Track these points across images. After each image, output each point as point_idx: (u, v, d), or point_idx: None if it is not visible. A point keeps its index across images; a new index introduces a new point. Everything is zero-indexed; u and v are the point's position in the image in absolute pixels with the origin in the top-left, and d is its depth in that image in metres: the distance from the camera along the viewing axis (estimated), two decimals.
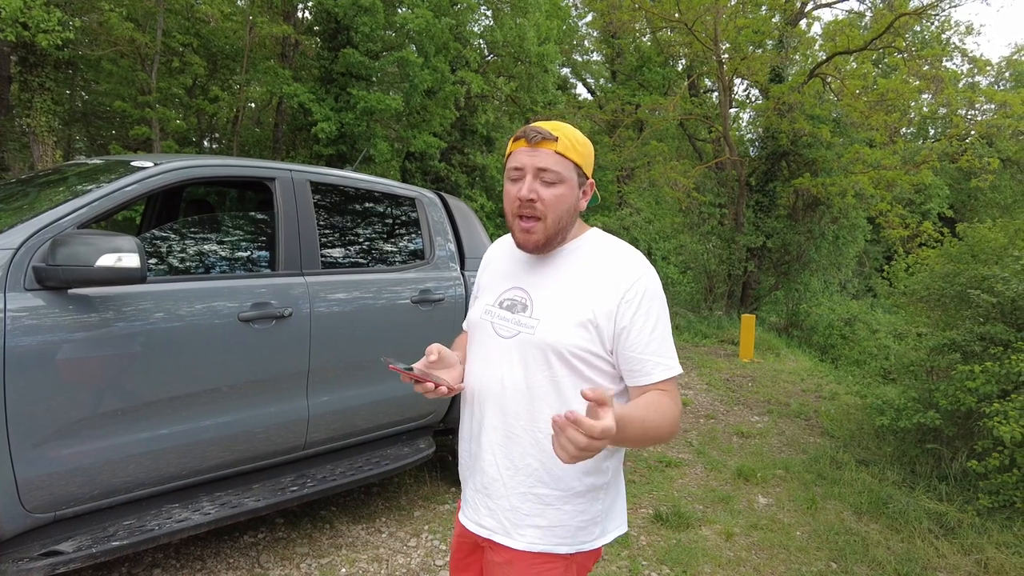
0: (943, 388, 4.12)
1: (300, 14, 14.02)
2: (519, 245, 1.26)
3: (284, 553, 2.80)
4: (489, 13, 15.36)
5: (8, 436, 1.87)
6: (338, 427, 2.83)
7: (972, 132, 13.52)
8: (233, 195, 4.22)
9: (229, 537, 2.90)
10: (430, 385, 1.21)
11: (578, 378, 1.19)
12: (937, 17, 14.64)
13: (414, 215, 3.34)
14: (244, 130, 14.99)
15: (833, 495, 3.96)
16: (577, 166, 1.22)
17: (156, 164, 2.36)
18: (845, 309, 12.61)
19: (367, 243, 3.23)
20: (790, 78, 13.44)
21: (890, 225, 11.93)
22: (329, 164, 11.46)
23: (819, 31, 17.29)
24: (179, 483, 2.35)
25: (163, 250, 2.64)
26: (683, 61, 17.01)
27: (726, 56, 13.11)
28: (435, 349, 1.26)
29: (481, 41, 15.15)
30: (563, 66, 18.99)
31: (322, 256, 2.81)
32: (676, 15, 12.30)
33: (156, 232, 2.91)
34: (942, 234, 7.16)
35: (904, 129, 17.79)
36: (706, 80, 16.66)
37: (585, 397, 0.93)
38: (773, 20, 13.52)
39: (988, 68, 17.95)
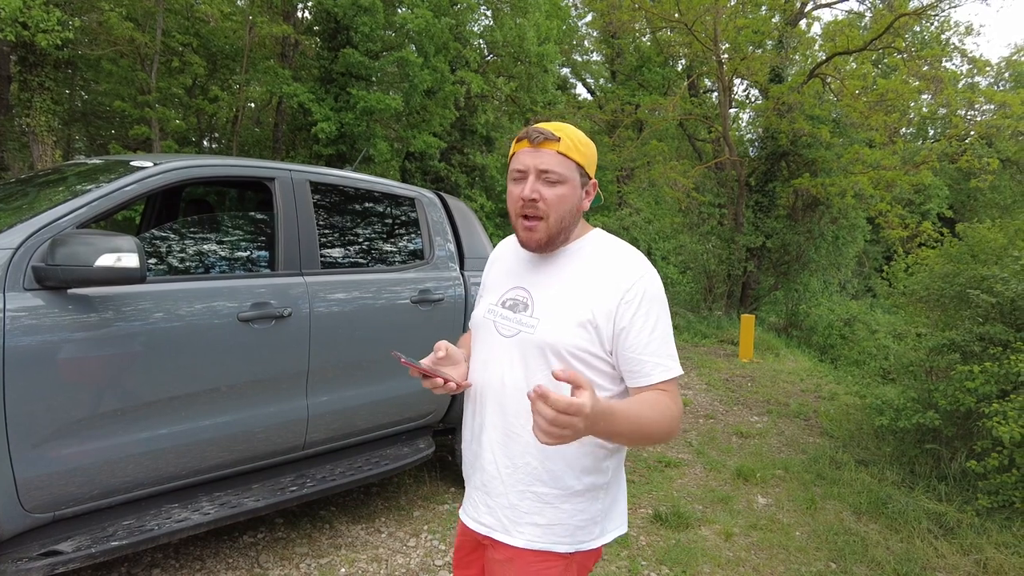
0: (942, 388, 4.12)
1: (300, 14, 14.01)
2: (522, 244, 1.27)
3: (283, 553, 2.80)
4: (489, 13, 15.36)
5: (7, 436, 1.87)
6: (337, 427, 2.83)
7: (972, 132, 13.52)
8: (233, 195, 4.22)
9: (228, 537, 2.90)
10: (438, 380, 1.23)
11: None
12: (937, 17, 14.66)
13: (414, 215, 3.34)
14: (244, 130, 14.99)
15: (832, 495, 3.96)
16: (580, 166, 1.22)
17: (156, 164, 2.36)
18: (845, 309, 12.62)
19: (367, 243, 3.23)
20: (790, 78, 13.45)
21: (889, 225, 11.93)
22: (329, 164, 11.46)
23: (819, 31, 17.28)
24: (178, 483, 2.35)
25: (162, 250, 2.64)
26: (683, 61, 17.01)
27: (726, 56, 13.11)
28: (443, 346, 1.28)
29: (481, 41, 15.15)
30: (563, 66, 19.00)
31: (322, 256, 2.81)
32: (676, 15, 12.30)
33: (155, 232, 2.91)
34: (941, 234, 7.17)
35: (904, 129, 17.79)
36: (706, 80, 16.66)
37: (556, 377, 0.94)
38: (773, 20, 13.52)
39: (988, 68, 17.95)
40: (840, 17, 15.64)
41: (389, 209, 3.35)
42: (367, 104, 11.32)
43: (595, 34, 19.03)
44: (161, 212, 3.48)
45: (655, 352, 1.18)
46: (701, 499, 3.82)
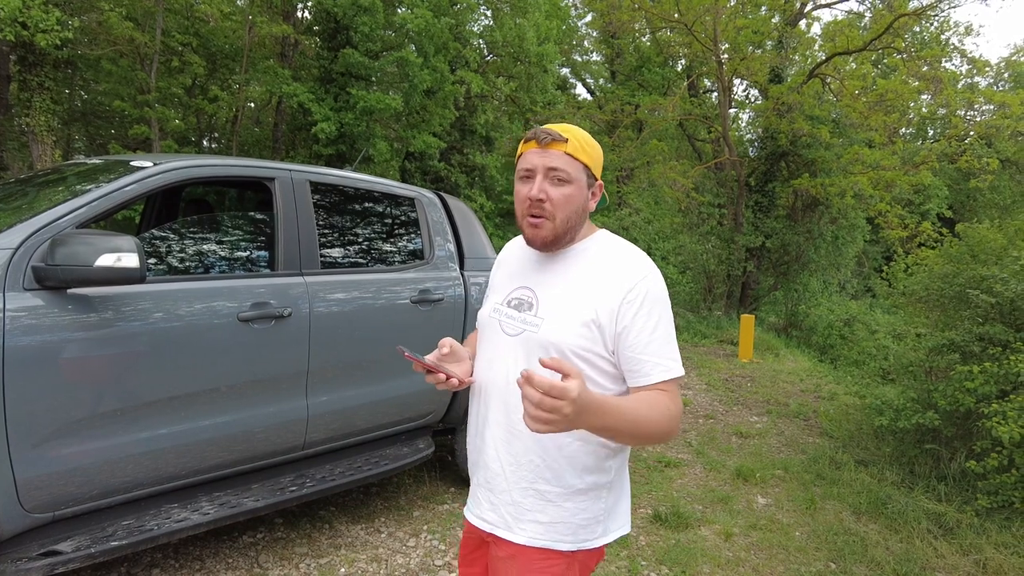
0: (942, 388, 4.12)
1: (299, 14, 14.01)
2: (528, 242, 1.28)
3: (283, 553, 2.80)
4: (489, 13, 15.36)
5: (7, 436, 1.86)
6: (337, 427, 2.83)
7: (971, 133, 13.53)
8: (232, 195, 4.22)
9: (228, 537, 2.90)
10: (441, 376, 1.25)
11: None
12: (936, 18, 14.66)
13: (413, 215, 3.34)
14: (243, 130, 14.98)
15: (832, 495, 3.97)
16: (586, 167, 1.24)
17: (155, 164, 2.36)
18: (844, 309, 12.62)
19: (366, 243, 3.23)
20: (789, 78, 13.45)
21: (889, 225, 11.94)
22: (328, 164, 11.46)
23: (818, 31, 17.28)
24: (178, 483, 2.34)
25: (162, 250, 2.64)
26: (683, 61, 17.02)
27: (725, 56, 13.11)
28: (447, 342, 1.30)
29: (481, 41, 15.16)
30: (563, 66, 19.00)
31: (321, 256, 2.81)
32: (676, 15, 12.30)
33: (155, 232, 2.91)
34: (941, 234, 7.17)
35: (903, 130, 17.80)
36: (705, 80, 16.66)
37: (543, 364, 0.96)
38: (773, 20, 13.53)
39: (987, 69, 17.96)
40: (840, 17, 15.65)
41: (389, 209, 3.35)
42: (367, 104, 11.33)
43: (595, 34, 19.04)
44: (161, 212, 3.48)
45: (655, 352, 1.19)
46: (701, 499, 3.82)
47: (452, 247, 3.41)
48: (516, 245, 1.44)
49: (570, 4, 18.55)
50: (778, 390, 7.11)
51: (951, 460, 4.05)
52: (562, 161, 1.20)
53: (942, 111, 14.90)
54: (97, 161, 2.70)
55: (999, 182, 17.39)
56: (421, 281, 3.15)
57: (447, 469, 3.84)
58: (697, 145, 16.95)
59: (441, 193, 3.60)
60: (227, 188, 4.09)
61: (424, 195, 3.43)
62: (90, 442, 2.05)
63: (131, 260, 1.96)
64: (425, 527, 3.15)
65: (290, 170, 2.80)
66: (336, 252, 3.00)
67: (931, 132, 21.26)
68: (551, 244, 1.26)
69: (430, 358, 1.28)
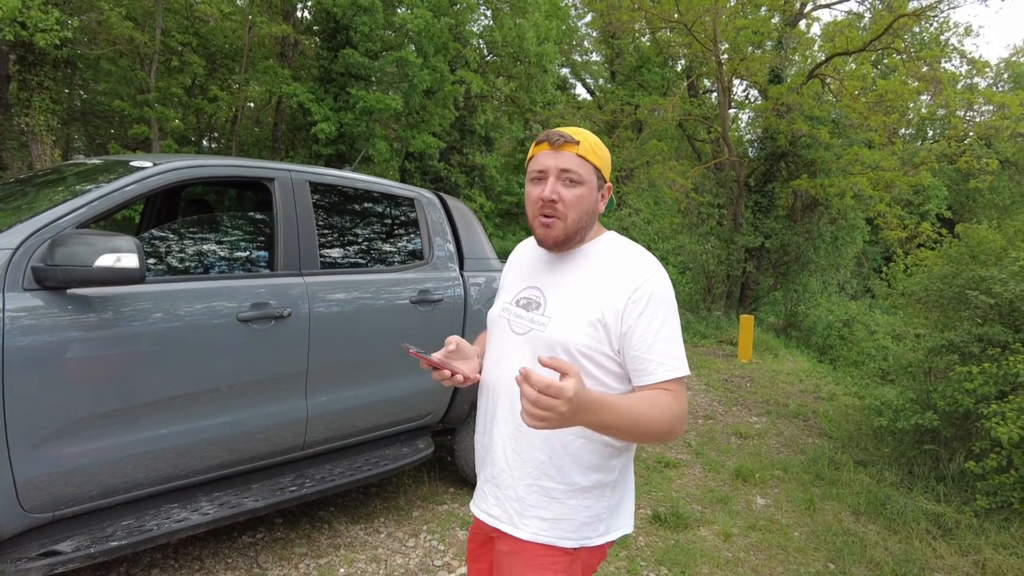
0: (941, 389, 4.13)
1: (299, 14, 14.01)
2: (539, 241, 1.30)
3: (282, 553, 2.80)
4: (488, 13, 15.36)
5: (7, 436, 1.86)
6: (337, 427, 2.83)
7: (971, 133, 13.53)
8: (232, 195, 4.22)
9: (227, 537, 2.90)
10: (447, 372, 1.28)
11: (586, 376, 1.22)
12: (936, 18, 14.65)
13: (413, 215, 3.34)
14: (243, 130, 14.98)
15: (831, 496, 3.97)
16: (597, 169, 1.27)
17: (155, 164, 2.36)
18: (844, 310, 12.62)
19: (366, 243, 3.23)
20: (789, 79, 13.45)
21: (888, 226, 11.94)
22: (328, 164, 11.46)
23: (818, 32, 17.32)
24: (178, 483, 2.34)
25: (162, 250, 2.64)
26: (682, 62, 17.02)
27: (725, 57, 13.11)
28: (453, 340, 1.34)
29: (480, 41, 15.16)
30: (562, 66, 19.00)
31: (321, 256, 2.81)
32: (675, 16, 12.30)
33: (155, 232, 2.91)
34: (940, 235, 7.16)
35: (903, 130, 17.80)
36: (705, 81, 16.66)
37: (541, 363, 1.00)
38: (772, 21, 13.53)
39: (987, 69, 17.95)
40: (839, 18, 15.67)
41: (388, 209, 3.36)
42: (366, 104, 11.32)
43: (595, 34, 19.05)
44: (161, 212, 3.48)
45: (660, 352, 1.20)
46: (700, 499, 3.82)
47: (452, 247, 3.41)
48: (527, 246, 1.47)
49: (570, 4, 18.56)
50: (777, 390, 7.11)
51: (950, 461, 4.05)
52: (574, 163, 1.23)
53: (941, 112, 14.92)
54: (97, 161, 2.70)
55: (998, 183, 17.39)
56: (420, 281, 3.15)
57: (446, 469, 3.84)
58: (697, 145, 16.95)
59: (440, 193, 3.60)
60: (227, 188, 4.09)
61: (424, 195, 3.43)
62: (90, 442, 2.05)
63: (131, 260, 1.96)
64: (424, 527, 3.15)
65: (290, 170, 2.80)
66: (336, 252, 3.00)
67: (930, 133, 21.26)
68: (562, 244, 1.28)
69: (437, 355, 1.30)
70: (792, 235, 13.44)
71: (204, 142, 15.67)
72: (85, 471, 2.05)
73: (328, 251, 2.92)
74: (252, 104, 16.11)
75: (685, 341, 9.28)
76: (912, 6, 12.36)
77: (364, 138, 11.96)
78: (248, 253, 2.89)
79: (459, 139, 14.87)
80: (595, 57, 20.28)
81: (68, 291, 1.99)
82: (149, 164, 2.36)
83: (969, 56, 15.05)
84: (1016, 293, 4.10)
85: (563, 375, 0.97)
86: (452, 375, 1.28)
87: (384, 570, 2.75)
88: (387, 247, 3.33)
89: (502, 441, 1.31)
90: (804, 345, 11.84)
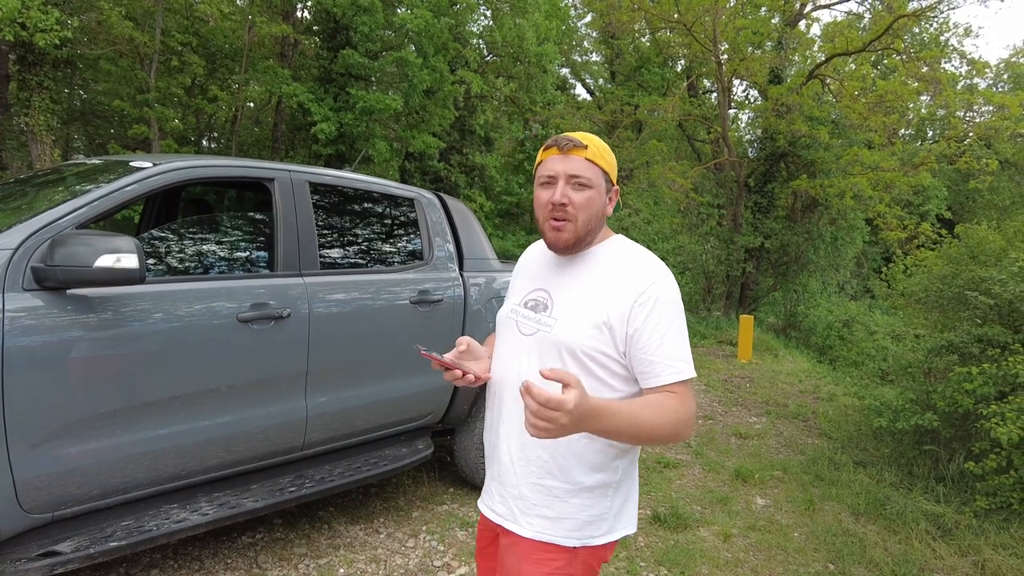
0: (941, 390, 4.13)
1: (299, 14, 14.01)
2: (549, 245, 1.32)
3: (282, 554, 2.80)
4: (488, 13, 15.36)
5: (6, 436, 1.86)
6: (336, 428, 2.83)
7: (970, 134, 13.54)
8: (232, 195, 4.22)
9: (227, 538, 2.90)
10: (458, 372, 1.30)
11: (591, 378, 1.24)
12: (935, 19, 14.66)
13: (413, 216, 3.34)
14: (243, 130, 14.98)
15: (831, 496, 3.97)
16: (605, 172, 1.29)
17: (155, 164, 2.36)
18: (843, 310, 12.63)
19: (366, 244, 3.23)
20: (789, 79, 13.45)
21: (888, 226, 11.95)
22: (328, 164, 11.46)
23: (818, 32, 17.31)
24: (177, 483, 2.35)
25: (162, 250, 2.64)
26: (682, 62, 17.02)
27: (725, 57, 13.11)
28: (465, 340, 1.37)
29: (480, 41, 15.15)
30: (562, 66, 18.99)
31: (321, 257, 2.81)
32: (675, 16, 12.30)
33: (155, 232, 2.91)
34: (940, 235, 7.17)
35: (902, 131, 17.80)
36: (705, 81, 16.67)
37: (543, 376, 1.01)
38: (772, 21, 13.53)
39: (986, 70, 17.94)
40: (839, 18, 15.67)
41: (388, 210, 3.36)
42: (366, 104, 11.32)
43: (594, 34, 19.04)
44: (160, 212, 3.48)
45: (666, 354, 1.22)
46: (700, 500, 3.82)
47: (451, 248, 3.41)
48: (536, 249, 1.49)
49: (570, 4, 18.56)
50: (777, 391, 7.11)
51: (950, 461, 4.05)
52: (583, 167, 1.26)
53: (941, 112, 14.92)
54: (97, 161, 2.70)
55: (998, 183, 17.39)
56: (420, 282, 3.15)
57: (446, 470, 3.84)
58: (696, 146, 16.96)
59: (440, 194, 3.60)
60: (227, 189, 4.09)
61: (423, 196, 3.43)
62: (89, 442, 2.05)
63: (130, 261, 1.96)
64: (424, 528, 3.15)
65: (289, 170, 2.80)
66: (335, 253, 3.00)
67: (930, 133, 21.25)
68: (572, 246, 1.30)
69: (448, 356, 1.33)
70: (792, 235, 13.44)
71: (204, 142, 15.67)
72: (85, 471, 2.05)
73: (328, 251, 2.92)
74: (252, 104, 16.10)
75: None
76: (912, 7, 12.37)
77: (364, 138, 11.96)
78: (248, 253, 2.89)
79: (459, 139, 14.86)
80: (595, 57, 20.29)
81: (68, 291, 1.99)
82: (149, 164, 2.36)
83: (969, 57, 15.07)
84: (1015, 294, 4.10)
85: (565, 386, 0.99)
86: (463, 375, 1.31)
87: (384, 570, 2.75)
88: (387, 247, 3.34)
89: (507, 439, 1.33)
90: (804, 345, 11.85)
